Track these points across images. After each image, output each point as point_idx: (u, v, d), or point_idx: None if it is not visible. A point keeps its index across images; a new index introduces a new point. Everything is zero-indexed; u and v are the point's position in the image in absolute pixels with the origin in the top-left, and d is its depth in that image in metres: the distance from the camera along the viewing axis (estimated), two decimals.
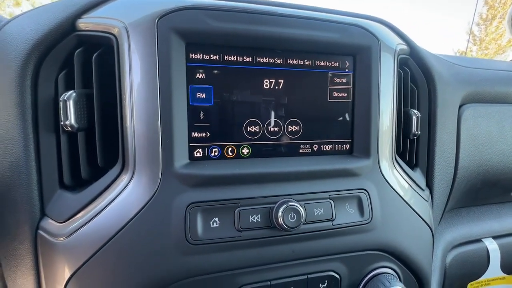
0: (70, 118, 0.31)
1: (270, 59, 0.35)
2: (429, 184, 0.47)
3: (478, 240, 0.58)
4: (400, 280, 0.39)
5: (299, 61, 0.36)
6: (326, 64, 0.37)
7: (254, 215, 0.32)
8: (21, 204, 0.32)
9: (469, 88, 0.52)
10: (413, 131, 0.42)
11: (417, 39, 0.44)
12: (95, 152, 0.33)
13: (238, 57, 0.34)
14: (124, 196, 0.30)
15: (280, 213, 0.31)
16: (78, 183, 0.34)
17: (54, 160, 0.33)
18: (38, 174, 0.32)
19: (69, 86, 0.33)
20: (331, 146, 0.38)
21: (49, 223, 0.32)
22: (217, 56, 0.33)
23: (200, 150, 0.33)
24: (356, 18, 0.38)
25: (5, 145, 0.31)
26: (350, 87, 0.38)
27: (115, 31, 0.31)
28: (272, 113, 0.36)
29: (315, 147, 0.38)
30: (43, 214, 0.33)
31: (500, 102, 0.55)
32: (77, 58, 0.32)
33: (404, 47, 0.42)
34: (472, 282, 0.60)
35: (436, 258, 0.51)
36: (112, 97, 0.32)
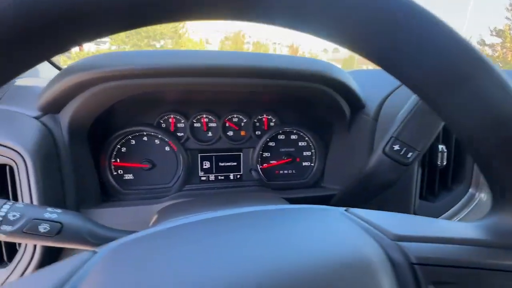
0: (443, 162, 0.54)
1: None
2: None
3: None
4: None
5: None
6: None
7: None
8: None
9: None
10: None
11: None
12: (444, 178, 0.56)
13: None
14: (477, 201, 0.54)
15: None
16: (432, 195, 0.58)
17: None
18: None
19: None
20: None
21: None
22: None
23: None
24: None
25: None
26: None
27: None
28: None
29: None
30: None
31: None
32: None
33: None
34: None
35: None
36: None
